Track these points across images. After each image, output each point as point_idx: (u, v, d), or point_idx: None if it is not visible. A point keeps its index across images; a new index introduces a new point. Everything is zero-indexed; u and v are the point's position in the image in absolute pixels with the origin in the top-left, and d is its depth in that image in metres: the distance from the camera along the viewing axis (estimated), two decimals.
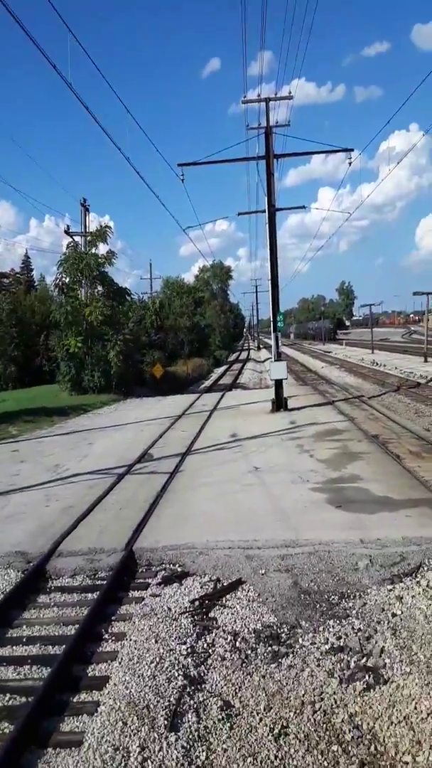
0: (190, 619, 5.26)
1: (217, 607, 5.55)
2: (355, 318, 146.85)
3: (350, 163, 18.38)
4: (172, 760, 3.54)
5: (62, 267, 28.05)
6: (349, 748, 3.67)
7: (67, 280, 28.38)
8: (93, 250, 28.80)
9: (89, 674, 4.53)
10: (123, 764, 3.46)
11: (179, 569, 6.34)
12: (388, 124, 19.86)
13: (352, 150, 18.35)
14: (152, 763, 3.50)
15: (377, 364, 38.29)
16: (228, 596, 5.74)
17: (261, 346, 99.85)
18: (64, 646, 4.76)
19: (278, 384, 17.99)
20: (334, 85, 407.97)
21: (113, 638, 5.00)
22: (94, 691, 4.25)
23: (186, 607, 5.49)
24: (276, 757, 3.62)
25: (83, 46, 10.82)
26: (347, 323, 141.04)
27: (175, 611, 5.40)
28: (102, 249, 29.13)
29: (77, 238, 29.72)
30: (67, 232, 30.24)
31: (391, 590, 5.59)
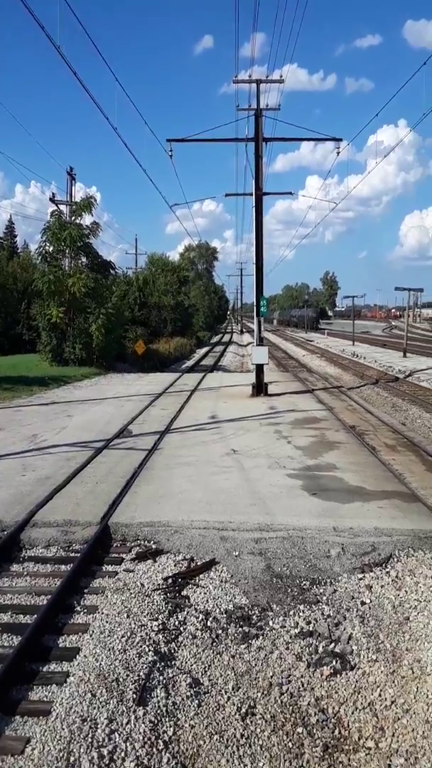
0: (162, 596, 5.29)
1: (190, 585, 5.58)
2: (337, 309, 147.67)
3: (338, 153, 18.41)
4: (140, 733, 3.56)
5: (45, 235, 27.57)
6: (314, 730, 3.74)
7: (51, 249, 27.89)
8: (78, 221, 28.30)
9: (60, 645, 4.52)
10: (90, 735, 3.47)
11: (154, 546, 6.35)
12: (377, 117, 20.05)
13: (340, 140, 18.35)
14: (119, 735, 3.52)
15: (357, 356, 38.57)
16: (201, 576, 5.78)
17: (244, 329, 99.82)
18: (35, 615, 4.75)
19: (259, 369, 18.04)
20: (326, 74, 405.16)
21: (85, 611, 5.00)
22: (64, 662, 4.25)
23: (159, 584, 5.52)
24: (242, 735, 3.68)
25: (72, 9, 10.45)
26: (330, 313, 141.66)
27: (148, 587, 5.42)
28: (87, 220, 28.69)
29: (63, 207, 29.22)
30: (52, 200, 29.68)
31: (361, 579, 5.69)
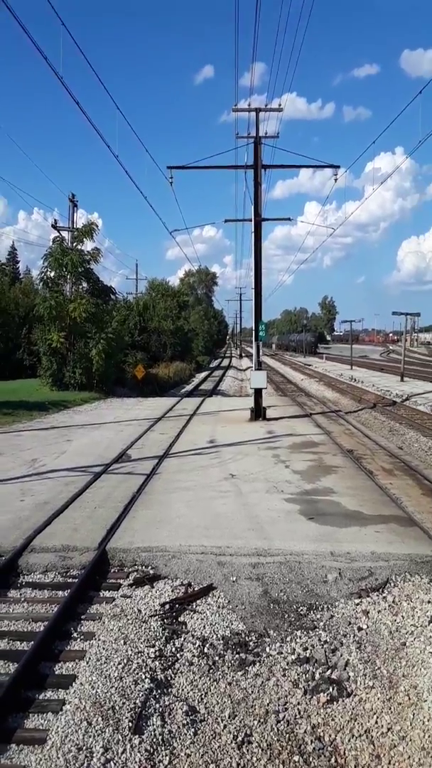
0: (159, 622, 5.28)
1: (187, 611, 5.57)
2: (335, 333, 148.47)
3: (336, 180, 18.72)
4: (135, 762, 3.55)
5: (47, 261, 27.93)
6: (311, 759, 3.73)
7: (52, 274, 28.24)
8: (79, 246, 28.69)
9: (56, 672, 4.51)
10: (86, 764, 3.46)
11: (151, 571, 6.35)
12: (374, 144, 20.37)
13: (338, 167, 18.61)
14: (115, 764, 3.51)
15: (355, 380, 38.69)
16: (198, 601, 5.77)
17: (243, 354, 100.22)
18: (32, 642, 4.74)
19: (258, 393, 18.12)
20: (324, 102, 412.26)
21: (82, 637, 4.99)
22: (60, 690, 4.24)
23: (156, 610, 5.51)
24: (238, 765, 3.67)
25: (75, 40, 10.81)
26: (328, 338, 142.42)
27: (145, 613, 5.42)
28: (88, 246, 29.08)
29: (64, 233, 29.62)
30: (54, 227, 30.11)
31: (358, 604, 5.68)
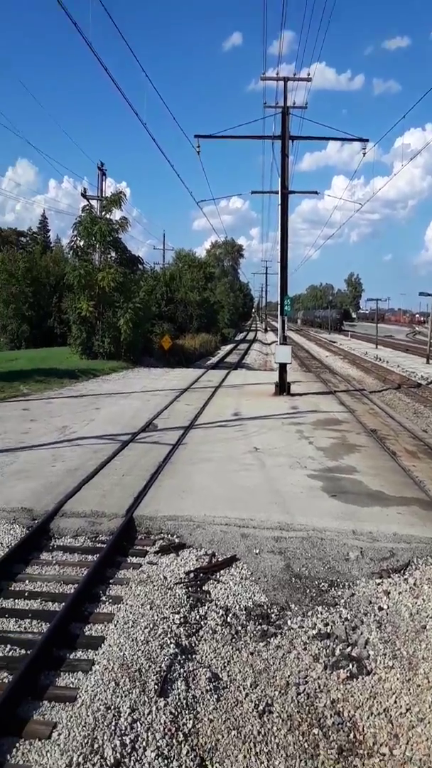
0: (184, 590, 5.42)
1: (211, 581, 5.70)
2: (361, 311, 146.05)
3: (364, 154, 18.27)
4: (160, 724, 3.69)
5: (77, 230, 27.92)
6: (330, 733, 3.83)
7: (82, 243, 28.25)
8: (108, 216, 28.59)
9: (86, 633, 4.69)
10: (113, 723, 3.61)
11: (176, 540, 6.49)
12: (404, 119, 19.49)
13: (367, 141, 18.17)
14: (141, 725, 3.65)
15: (380, 359, 38.26)
16: (222, 571, 5.89)
17: (268, 328, 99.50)
18: (63, 603, 4.92)
19: (282, 368, 18.06)
20: (354, 74, 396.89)
21: (110, 601, 5.16)
22: (89, 650, 4.41)
23: (181, 578, 5.65)
24: (259, 732, 3.79)
25: (105, 6, 10.55)
26: (353, 315, 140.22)
27: (171, 581, 5.56)
28: (116, 215, 28.97)
29: (93, 202, 29.52)
30: (83, 195, 30.09)
31: (379, 584, 5.74)
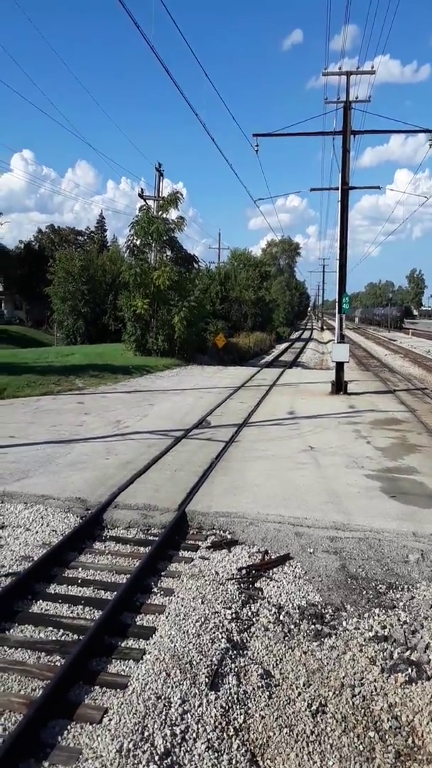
0: (236, 586, 5.35)
1: (264, 578, 5.61)
2: (423, 308, 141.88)
3: (431, 145, 17.66)
4: (211, 717, 3.64)
5: (134, 229, 28.36)
6: (386, 736, 3.67)
7: (138, 242, 28.69)
8: (164, 215, 28.90)
9: (137, 623, 4.69)
10: (164, 713, 3.58)
11: (229, 536, 6.43)
12: None
13: None
14: (192, 717, 3.61)
15: None
16: (275, 569, 5.79)
17: (324, 327, 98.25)
18: (115, 592, 4.95)
19: (339, 366, 17.77)
20: (419, 64, 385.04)
21: (162, 593, 5.16)
22: (141, 640, 4.41)
23: (233, 574, 5.58)
24: (312, 732, 3.67)
25: (166, 6, 10.58)
26: (415, 312, 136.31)
27: (223, 576, 5.50)
28: (173, 215, 29.25)
29: (150, 202, 29.92)
30: (141, 196, 30.50)
31: None
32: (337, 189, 17.87)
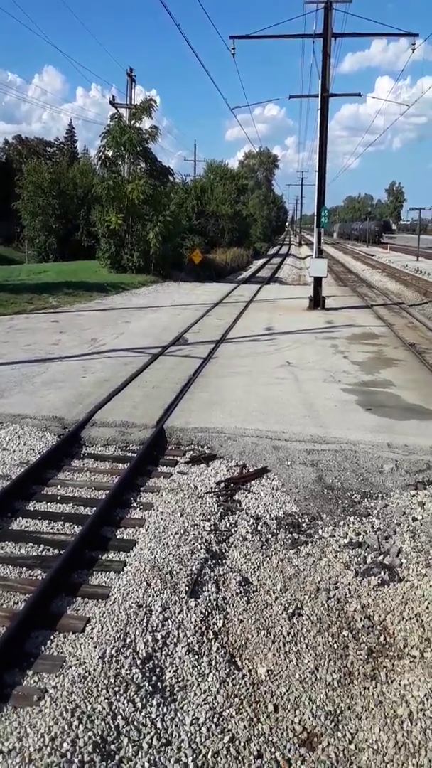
0: (215, 499, 5.42)
1: (242, 491, 5.69)
2: (402, 222, 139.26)
3: (413, 50, 16.79)
4: (191, 622, 3.75)
5: (105, 139, 26.77)
6: (359, 635, 3.84)
7: (110, 153, 27.17)
8: (137, 125, 27.27)
9: (117, 536, 4.76)
10: (145, 620, 3.68)
11: (207, 451, 6.47)
12: None
13: (416, 35, 16.78)
14: (172, 622, 3.71)
15: (421, 272, 36.71)
16: (253, 482, 5.87)
17: (302, 242, 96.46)
18: (95, 508, 4.98)
19: (317, 282, 17.55)
20: None
21: (141, 507, 5.21)
22: (121, 552, 4.48)
23: (212, 487, 5.65)
24: (289, 633, 3.82)
25: None
26: (394, 227, 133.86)
27: (201, 490, 5.57)
28: (146, 124, 27.64)
29: (122, 111, 28.18)
30: (112, 103, 28.70)
31: (414, 496, 5.64)
32: (317, 96, 16.95)
